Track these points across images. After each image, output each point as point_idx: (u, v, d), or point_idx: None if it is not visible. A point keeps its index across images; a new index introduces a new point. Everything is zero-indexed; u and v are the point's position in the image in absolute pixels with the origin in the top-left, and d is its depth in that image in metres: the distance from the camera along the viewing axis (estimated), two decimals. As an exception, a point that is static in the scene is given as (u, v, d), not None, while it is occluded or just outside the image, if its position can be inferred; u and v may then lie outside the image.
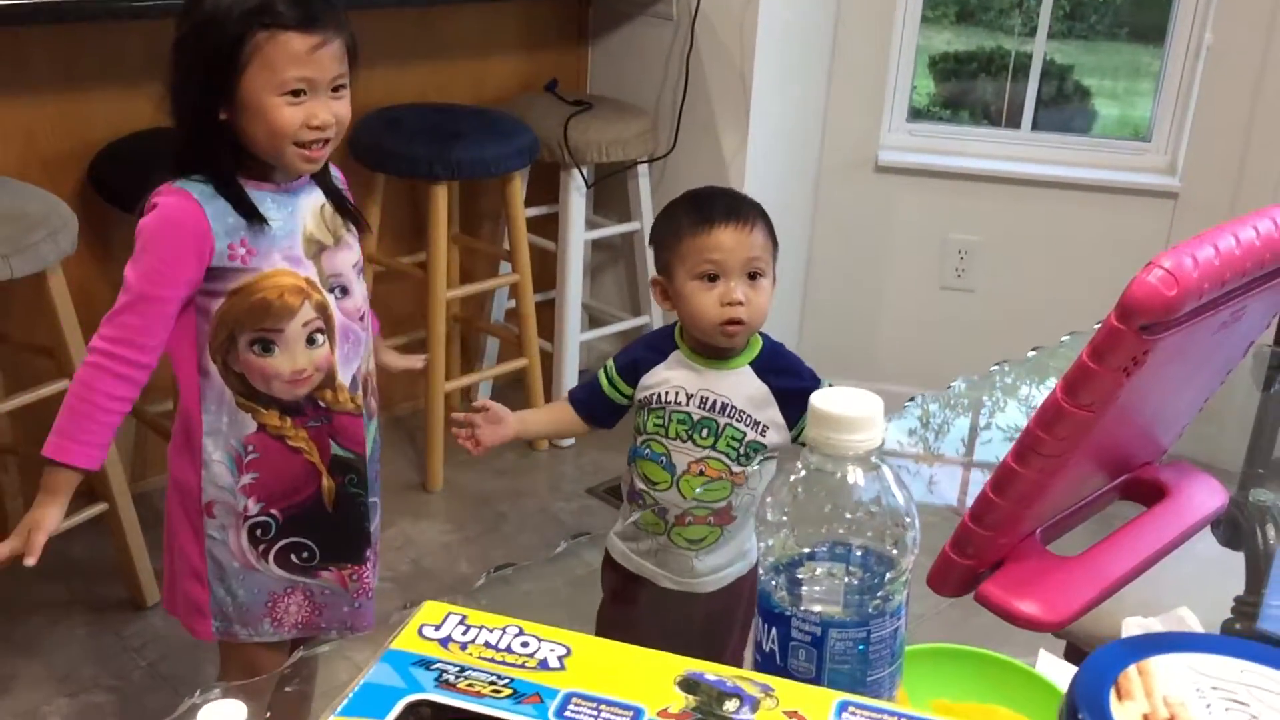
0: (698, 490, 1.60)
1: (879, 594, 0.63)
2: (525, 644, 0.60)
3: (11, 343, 2.29)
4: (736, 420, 1.57)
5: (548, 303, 3.01)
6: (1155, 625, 0.85)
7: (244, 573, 1.60)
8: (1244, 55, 2.79)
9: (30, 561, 1.48)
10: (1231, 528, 1.13)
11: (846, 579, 0.62)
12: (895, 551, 0.63)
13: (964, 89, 3.40)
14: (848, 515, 0.63)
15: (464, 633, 0.60)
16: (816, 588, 0.63)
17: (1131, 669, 0.57)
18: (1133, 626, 0.85)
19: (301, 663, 0.85)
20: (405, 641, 0.59)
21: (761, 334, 1.62)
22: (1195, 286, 0.78)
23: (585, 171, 2.84)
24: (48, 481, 1.54)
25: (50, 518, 1.52)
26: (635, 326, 3.11)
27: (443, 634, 0.60)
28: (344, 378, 1.58)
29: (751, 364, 1.58)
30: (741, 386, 1.57)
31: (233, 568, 1.60)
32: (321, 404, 1.57)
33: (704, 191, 1.75)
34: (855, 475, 0.63)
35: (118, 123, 2.38)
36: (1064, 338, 1.55)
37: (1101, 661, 0.58)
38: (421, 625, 0.61)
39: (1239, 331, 0.94)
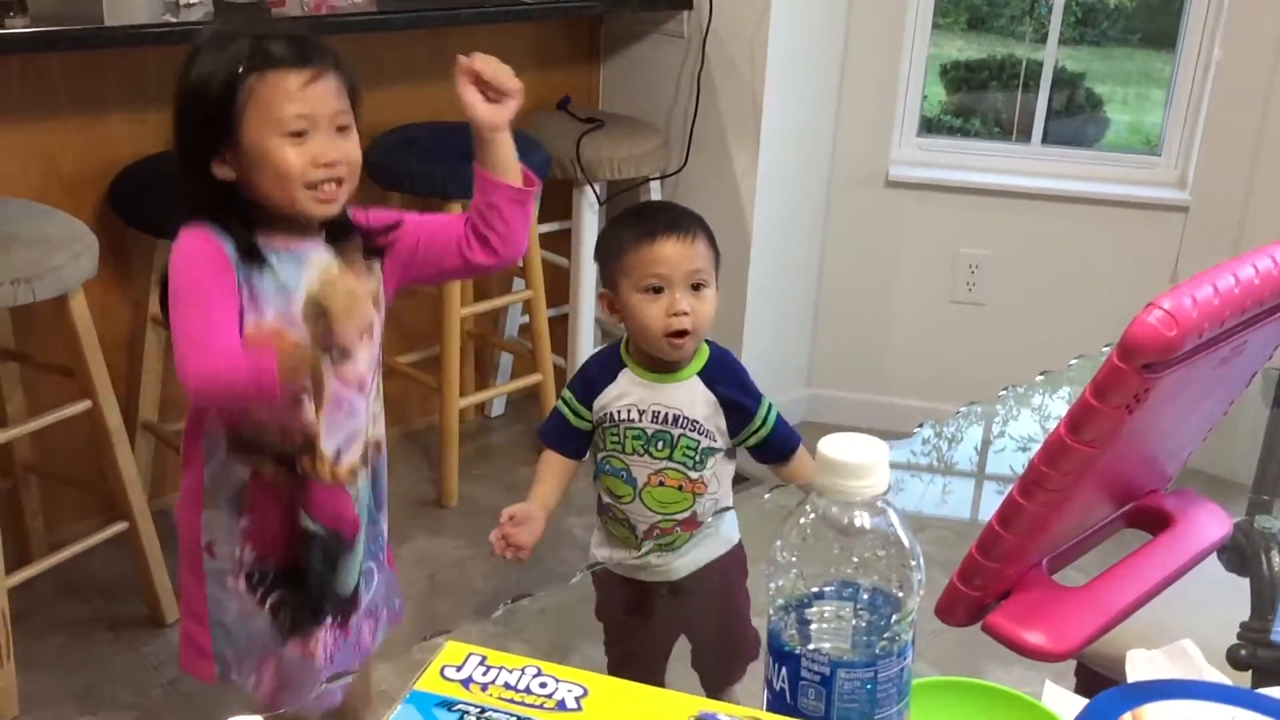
0: (659, 516, 1.63)
1: (886, 634, 0.65)
2: (544, 684, 0.62)
3: (33, 364, 2.32)
4: (690, 430, 1.62)
5: (561, 318, 3.04)
6: (1159, 658, 0.86)
7: (242, 618, 1.57)
8: (1253, 69, 2.80)
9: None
10: (1237, 554, 1.15)
11: (854, 620, 0.64)
12: (901, 593, 0.65)
13: (975, 98, 3.42)
14: (855, 558, 0.65)
15: (484, 673, 0.62)
16: (825, 628, 0.65)
17: (1126, 716, 0.59)
18: (1136, 659, 0.86)
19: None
20: (428, 683, 0.62)
21: (709, 342, 1.68)
22: (1195, 326, 0.80)
23: (598, 189, 2.86)
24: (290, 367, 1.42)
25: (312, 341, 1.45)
26: (648, 341, 3.13)
27: (464, 674, 0.62)
28: (327, 447, 1.52)
29: (700, 374, 1.64)
30: (691, 397, 1.63)
31: (234, 612, 1.57)
32: (298, 470, 1.52)
33: (645, 206, 1.81)
34: (862, 519, 0.65)
35: (136, 145, 2.42)
36: (1072, 360, 1.56)
37: (1098, 709, 0.60)
38: (443, 666, 0.63)
39: (1241, 364, 0.96)
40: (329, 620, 1.60)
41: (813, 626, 0.65)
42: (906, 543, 0.65)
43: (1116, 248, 3.01)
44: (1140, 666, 0.85)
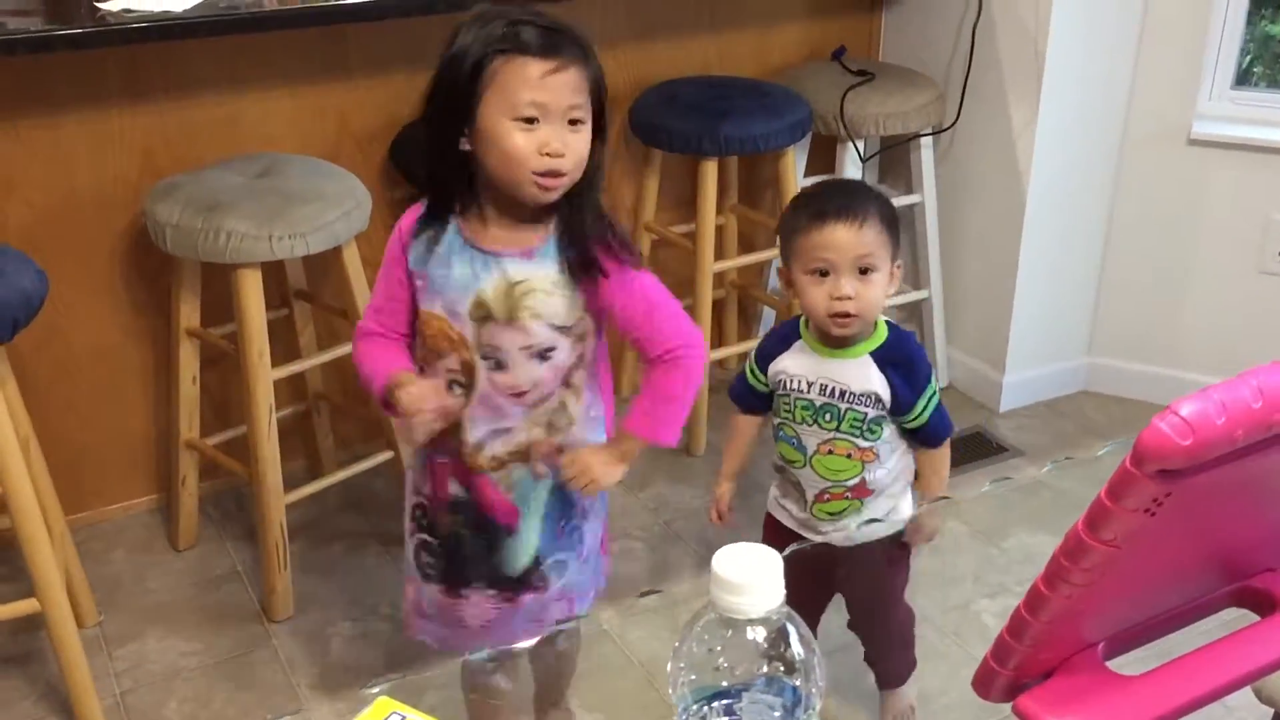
0: (828, 482, 1.68)
1: (772, 746, 0.65)
2: (442, 751, 0.67)
3: (320, 304, 2.59)
4: (856, 404, 1.67)
5: (822, 273, 3.01)
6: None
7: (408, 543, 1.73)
8: None
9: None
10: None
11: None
12: (780, 713, 0.65)
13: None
14: (747, 670, 0.66)
15: (397, 732, 0.69)
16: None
17: None
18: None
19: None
20: (345, 737, 0.69)
21: (889, 323, 1.70)
22: (1223, 435, 0.73)
23: (861, 145, 2.80)
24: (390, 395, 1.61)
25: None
26: (913, 300, 3.05)
27: (379, 732, 0.69)
28: (471, 435, 1.60)
29: (873, 353, 1.67)
30: (860, 375, 1.66)
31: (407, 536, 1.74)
32: (450, 443, 1.62)
33: (824, 186, 1.85)
34: (755, 633, 0.65)
35: (415, 104, 2.59)
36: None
37: None
38: (364, 722, 0.70)
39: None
40: (487, 591, 1.68)
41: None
42: (800, 656, 0.66)
43: None
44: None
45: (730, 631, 0.65)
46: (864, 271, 1.59)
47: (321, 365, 2.59)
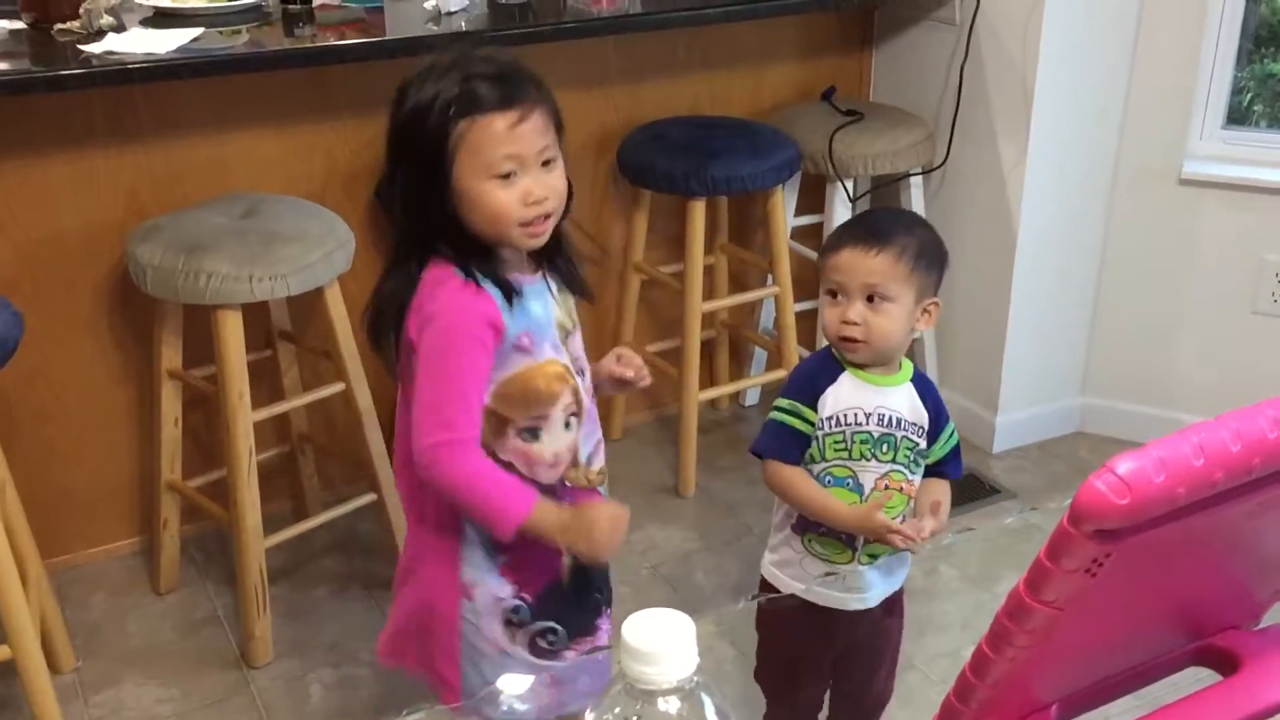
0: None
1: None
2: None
3: (304, 345, 2.57)
4: (910, 433, 1.63)
5: (811, 311, 2.99)
6: None
7: (499, 657, 1.58)
8: None
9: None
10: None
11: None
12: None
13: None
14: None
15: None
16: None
17: None
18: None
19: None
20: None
21: (910, 362, 1.67)
22: (1161, 493, 0.70)
23: (849, 185, 2.79)
24: (531, 531, 1.50)
25: (563, 537, 1.50)
26: (906, 340, 3.03)
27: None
28: (583, 455, 1.57)
29: (911, 381, 1.65)
30: (909, 402, 1.63)
31: (488, 653, 1.58)
32: (567, 484, 1.56)
33: (865, 213, 1.79)
34: (668, 704, 0.63)
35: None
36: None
37: None
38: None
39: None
40: (600, 620, 1.66)
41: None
42: (718, 727, 0.63)
43: None
44: None
45: (641, 703, 0.63)
46: (872, 299, 1.55)
47: (306, 406, 2.57)
